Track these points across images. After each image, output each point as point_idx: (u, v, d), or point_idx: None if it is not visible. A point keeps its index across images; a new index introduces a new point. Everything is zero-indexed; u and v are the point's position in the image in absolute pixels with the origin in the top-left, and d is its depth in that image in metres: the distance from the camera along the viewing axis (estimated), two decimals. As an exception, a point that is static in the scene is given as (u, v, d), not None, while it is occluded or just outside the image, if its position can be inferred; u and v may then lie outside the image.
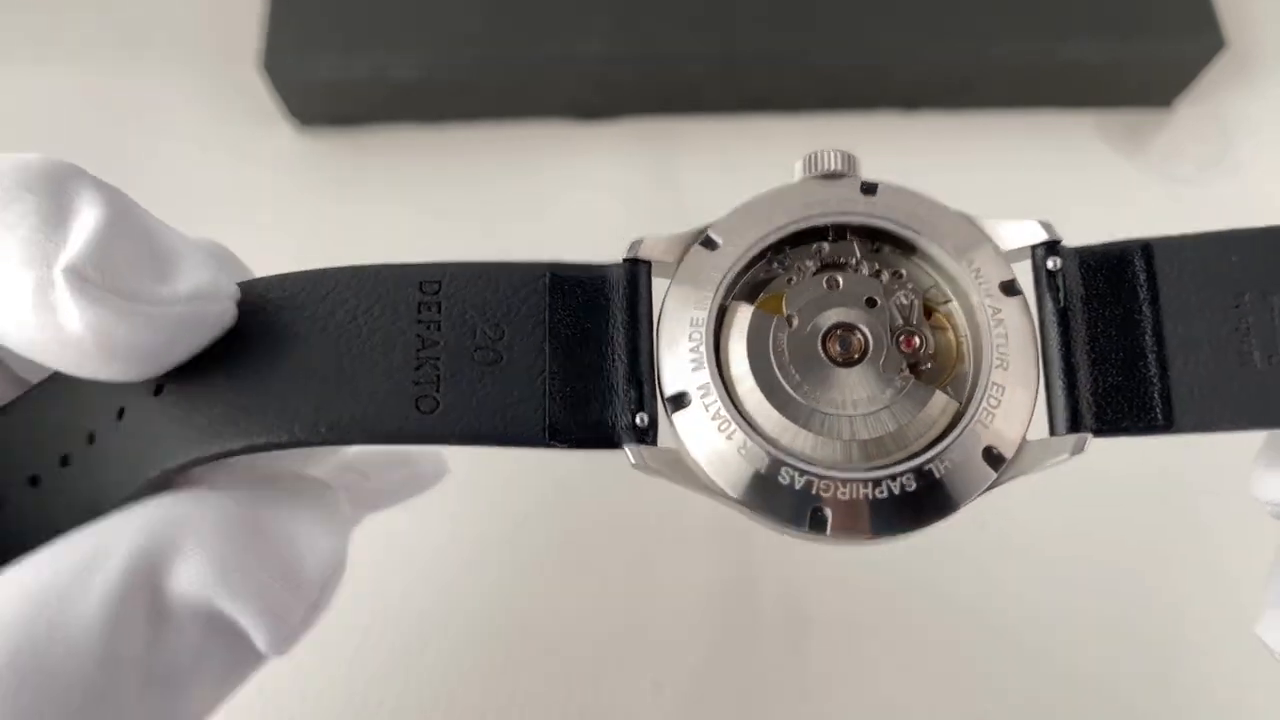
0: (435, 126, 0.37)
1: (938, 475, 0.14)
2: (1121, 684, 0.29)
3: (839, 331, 0.15)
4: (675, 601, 0.29)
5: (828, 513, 0.14)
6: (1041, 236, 0.15)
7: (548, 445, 0.14)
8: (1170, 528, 0.30)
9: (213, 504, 0.13)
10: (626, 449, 0.15)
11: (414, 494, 0.21)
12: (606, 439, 0.15)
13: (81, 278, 0.12)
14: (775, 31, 0.34)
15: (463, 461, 0.31)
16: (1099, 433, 0.14)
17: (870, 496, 0.14)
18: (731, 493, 0.14)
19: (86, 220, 0.13)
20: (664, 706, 0.28)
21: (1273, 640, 0.15)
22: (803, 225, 0.16)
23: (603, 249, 0.36)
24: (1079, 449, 0.14)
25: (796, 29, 0.34)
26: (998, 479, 0.14)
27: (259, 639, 0.13)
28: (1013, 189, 0.36)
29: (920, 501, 0.14)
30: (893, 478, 0.14)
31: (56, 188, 0.13)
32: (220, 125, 0.36)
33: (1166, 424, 0.14)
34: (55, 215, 0.13)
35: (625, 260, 0.16)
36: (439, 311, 0.15)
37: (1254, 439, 0.16)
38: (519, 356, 0.15)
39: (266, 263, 0.17)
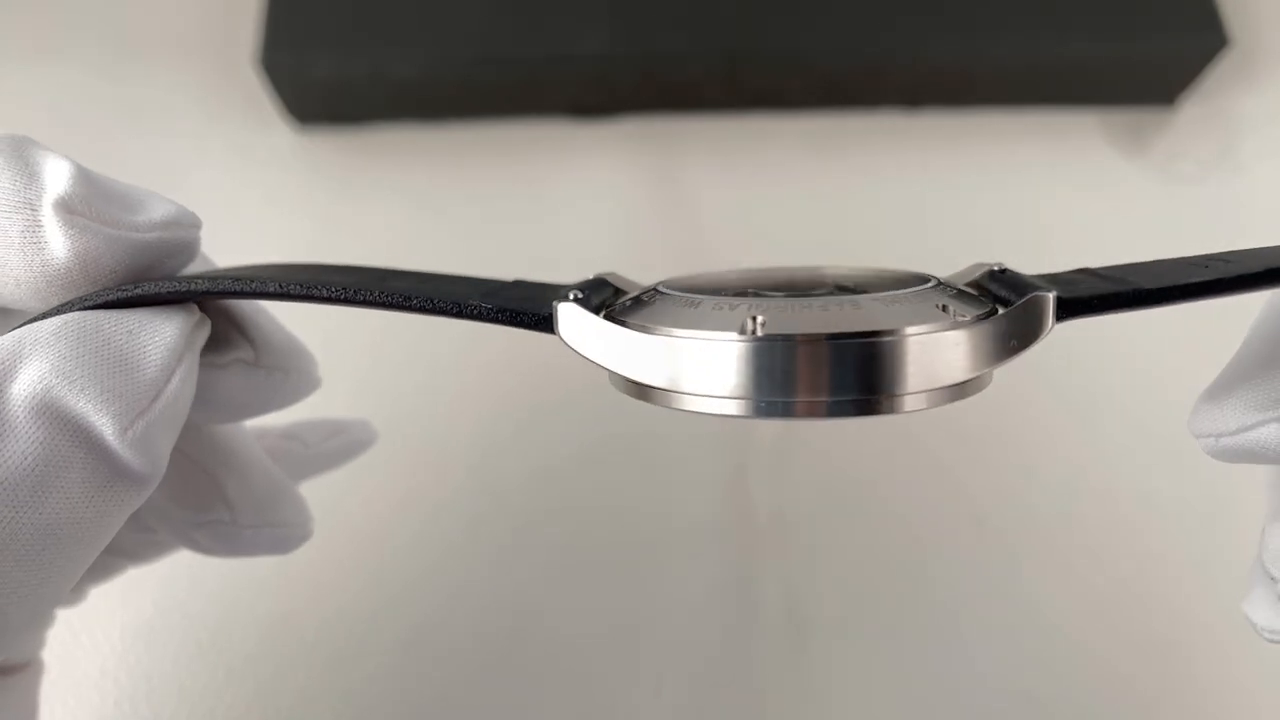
0: (434, 125, 0.37)
1: (880, 308, 0.14)
2: (1126, 684, 0.28)
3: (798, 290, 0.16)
4: (675, 602, 0.29)
5: (760, 320, 0.13)
6: (990, 266, 0.16)
7: (473, 308, 0.14)
8: (1174, 527, 0.30)
9: (55, 318, 0.14)
10: (558, 306, 0.14)
11: (347, 460, 0.23)
12: (538, 311, 0.14)
13: (69, 210, 0.14)
14: (776, 30, 0.34)
15: (463, 463, 0.31)
16: (1064, 307, 0.13)
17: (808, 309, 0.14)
18: (658, 328, 0.14)
19: (57, 168, 0.14)
20: (664, 708, 0.28)
21: (1258, 617, 0.16)
22: (770, 275, 0.17)
23: (602, 247, 0.36)
24: (1044, 301, 0.13)
25: (797, 28, 0.34)
26: (952, 325, 0.13)
27: (105, 427, 0.12)
28: (1014, 188, 0.36)
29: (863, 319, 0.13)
30: (839, 304, 0.14)
31: (16, 150, 0.14)
32: (218, 124, 0.36)
33: (1137, 291, 0.13)
34: (25, 170, 0.14)
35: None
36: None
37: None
38: (465, 280, 0.15)
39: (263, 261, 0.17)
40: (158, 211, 0.15)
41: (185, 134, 0.36)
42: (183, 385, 0.14)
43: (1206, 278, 0.13)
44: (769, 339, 0.13)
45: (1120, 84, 0.36)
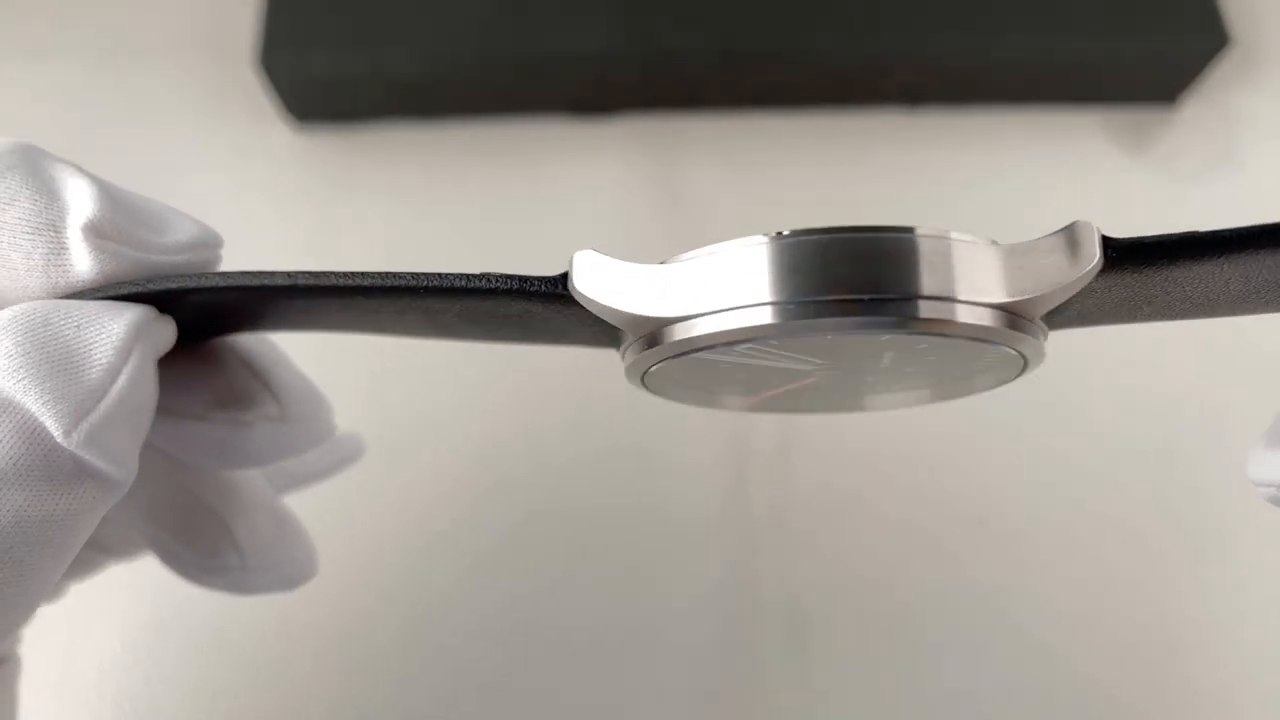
0: (433, 124, 0.36)
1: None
2: (1126, 685, 0.28)
3: None
4: (677, 603, 0.29)
5: (788, 230, 0.12)
6: None
7: (480, 279, 0.13)
8: (1174, 529, 0.30)
9: (8, 310, 0.13)
10: (575, 256, 0.13)
11: (337, 473, 0.23)
12: (549, 274, 0.13)
13: (98, 235, 0.14)
14: (777, 28, 0.34)
15: (462, 464, 0.31)
16: (1111, 245, 0.12)
17: None
18: (680, 258, 0.13)
19: (79, 187, 0.14)
20: (664, 709, 0.28)
21: (1259, 474, 0.15)
22: None
23: (602, 246, 0.36)
24: (1088, 227, 0.12)
25: (798, 25, 0.34)
26: (993, 243, 0.13)
27: (49, 423, 0.12)
28: (1015, 187, 0.36)
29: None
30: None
31: (33, 164, 0.14)
32: (216, 123, 0.36)
33: (1188, 237, 0.13)
34: (45, 187, 0.14)
35: None
36: None
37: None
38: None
39: (263, 262, 0.17)
40: (184, 232, 0.15)
41: (184, 133, 0.36)
42: (132, 384, 0.13)
43: (1267, 225, 0.12)
44: (797, 234, 0.12)
45: (1122, 83, 0.36)
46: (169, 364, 0.16)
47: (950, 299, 0.12)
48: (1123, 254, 0.12)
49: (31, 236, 0.14)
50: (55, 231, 0.14)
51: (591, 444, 0.31)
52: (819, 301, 0.12)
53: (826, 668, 0.28)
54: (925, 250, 0.12)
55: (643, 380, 0.15)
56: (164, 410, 0.16)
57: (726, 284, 0.12)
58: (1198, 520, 0.30)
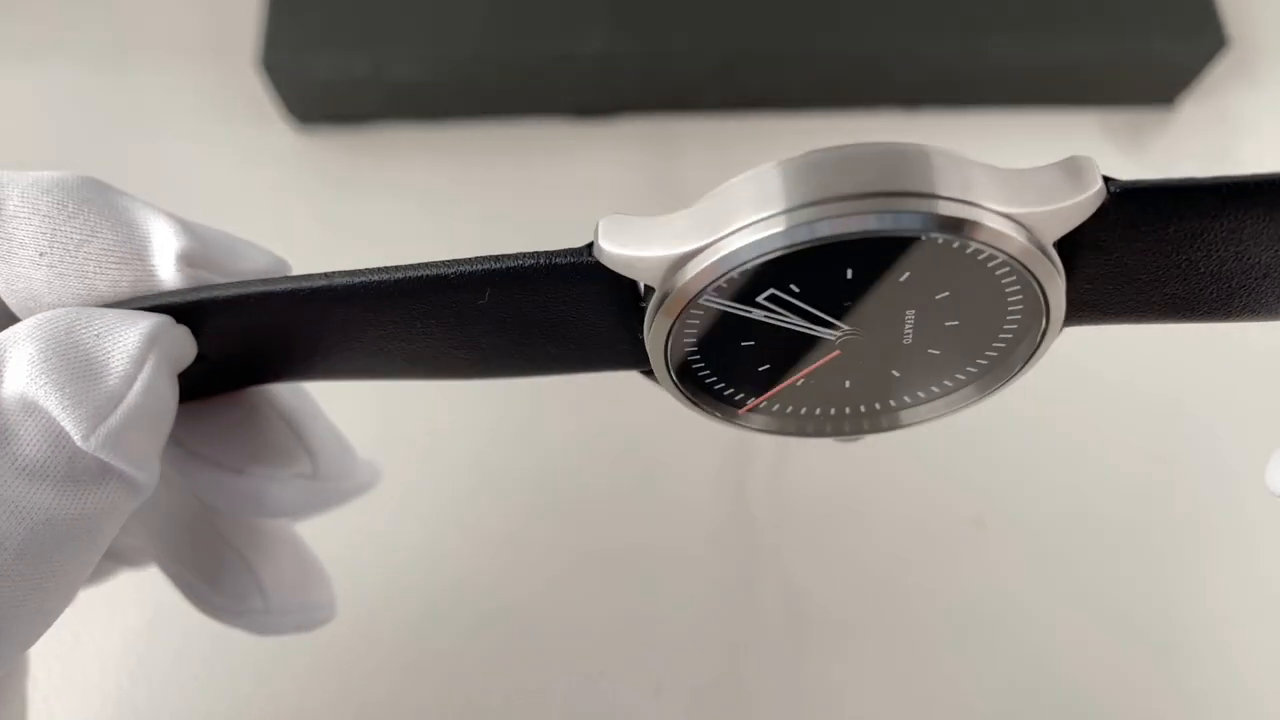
0: (435, 125, 0.36)
1: None
2: (1124, 685, 0.28)
3: None
4: (675, 602, 0.29)
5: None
6: None
7: (510, 259, 0.14)
8: (1174, 528, 0.30)
9: (33, 318, 0.14)
10: (600, 221, 0.13)
11: (353, 498, 0.23)
12: (576, 246, 0.14)
13: (189, 263, 0.14)
14: (776, 30, 0.34)
15: (464, 464, 0.31)
16: (1112, 183, 0.13)
17: None
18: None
19: (157, 220, 0.14)
20: (663, 708, 0.28)
21: (1278, 485, 0.16)
22: None
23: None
24: (1088, 161, 0.13)
25: (797, 27, 0.34)
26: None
27: (69, 426, 0.13)
28: (1015, 188, 0.36)
29: None
30: None
31: (104, 198, 0.14)
32: (218, 124, 0.36)
33: (1187, 183, 0.13)
34: (121, 219, 0.14)
35: None
36: None
37: (1270, 439, 0.16)
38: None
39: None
40: (260, 261, 0.16)
41: (186, 134, 0.36)
42: (148, 391, 0.14)
43: (1266, 174, 0.12)
44: (811, 153, 0.13)
45: (1120, 84, 0.36)
46: (211, 416, 0.16)
47: (968, 202, 0.12)
48: (1125, 193, 0.13)
49: (118, 267, 0.14)
50: (141, 261, 0.14)
51: (591, 442, 0.31)
52: (840, 198, 0.12)
53: (825, 667, 0.28)
54: (938, 161, 0.13)
55: (666, 360, 0.15)
56: (203, 460, 0.17)
57: (750, 199, 0.13)
58: (1196, 522, 0.30)
